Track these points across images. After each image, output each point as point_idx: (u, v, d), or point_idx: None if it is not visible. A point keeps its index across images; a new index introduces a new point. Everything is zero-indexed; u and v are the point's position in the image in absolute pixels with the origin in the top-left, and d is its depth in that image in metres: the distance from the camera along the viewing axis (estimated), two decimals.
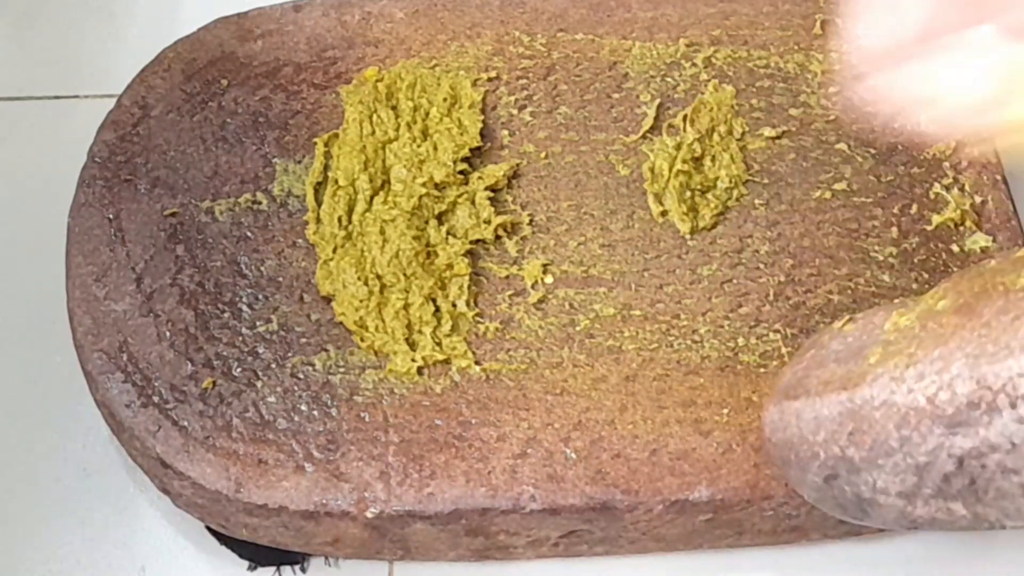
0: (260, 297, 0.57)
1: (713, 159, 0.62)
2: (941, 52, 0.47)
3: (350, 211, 0.59)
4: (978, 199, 0.61)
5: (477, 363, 0.56)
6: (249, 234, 0.59)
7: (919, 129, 0.52)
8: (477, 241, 0.59)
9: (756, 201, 0.61)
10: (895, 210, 0.60)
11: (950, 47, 0.47)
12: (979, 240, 0.59)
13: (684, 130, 0.62)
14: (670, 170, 0.61)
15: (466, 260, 0.58)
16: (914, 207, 0.61)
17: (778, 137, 0.63)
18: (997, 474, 0.40)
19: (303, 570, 0.58)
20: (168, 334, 0.56)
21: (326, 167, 0.61)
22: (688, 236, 0.60)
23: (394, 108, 0.62)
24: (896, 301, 0.48)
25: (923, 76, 0.48)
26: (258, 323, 0.57)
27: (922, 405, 0.40)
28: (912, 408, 0.41)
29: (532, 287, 0.58)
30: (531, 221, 0.60)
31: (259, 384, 0.55)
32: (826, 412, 0.44)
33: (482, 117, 0.62)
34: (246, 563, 0.58)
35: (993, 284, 0.42)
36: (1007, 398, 0.38)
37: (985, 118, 0.48)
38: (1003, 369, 0.38)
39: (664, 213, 0.60)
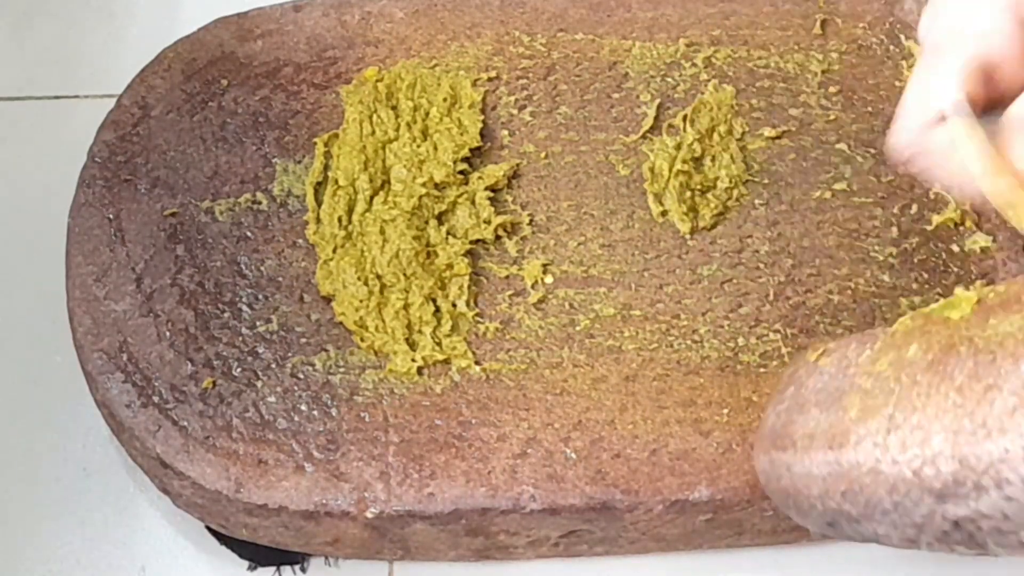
0: (260, 297, 0.57)
1: (713, 159, 0.62)
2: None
3: (350, 211, 0.59)
4: (978, 199, 0.61)
5: (477, 363, 0.56)
6: (249, 234, 0.59)
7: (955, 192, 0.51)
8: (477, 241, 0.59)
9: (756, 201, 0.61)
10: (895, 210, 0.60)
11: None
12: (979, 240, 0.59)
13: (684, 130, 0.62)
14: (670, 170, 0.61)
15: (466, 260, 0.58)
16: (914, 207, 0.61)
17: (778, 137, 0.63)
18: (994, 534, 0.40)
19: (303, 570, 0.58)
20: (168, 334, 0.56)
21: (326, 167, 0.61)
22: (688, 236, 0.60)
23: (394, 108, 0.62)
24: (866, 333, 0.47)
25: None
26: (258, 323, 0.57)
27: (909, 477, 0.40)
28: (900, 479, 0.40)
29: (532, 287, 0.58)
30: (531, 221, 0.60)
31: (259, 384, 0.55)
32: (816, 470, 0.44)
33: (482, 117, 0.62)
34: (246, 563, 0.58)
35: (960, 338, 0.42)
36: (992, 480, 0.38)
37: None
38: (983, 453, 0.38)
39: (664, 213, 0.60)
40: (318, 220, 0.59)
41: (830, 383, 0.46)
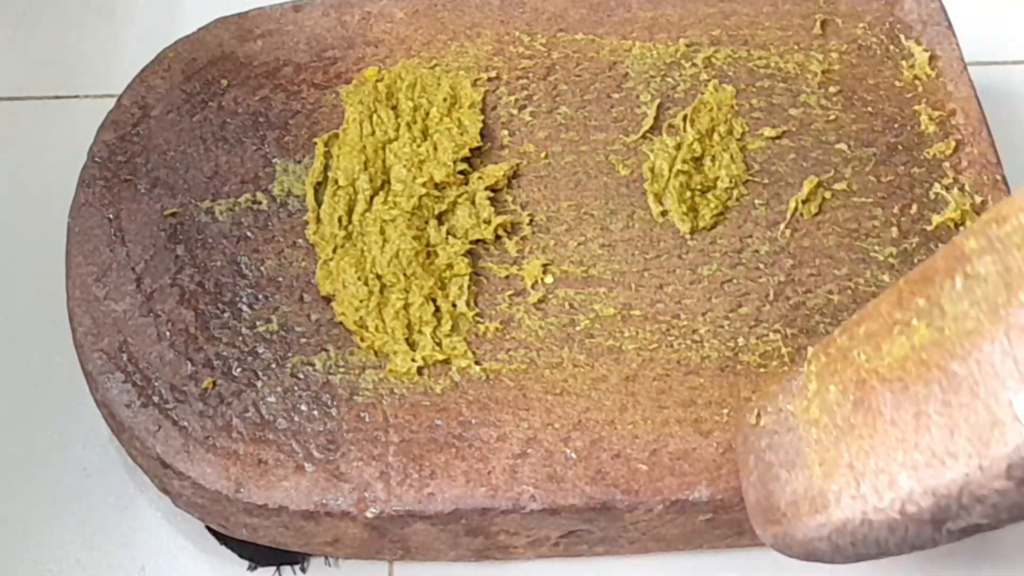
0: (260, 297, 0.57)
1: (713, 159, 0.62)
2: None
3: (350, 211, 0.59)
4: (978, 199, 0.61)
5: (477, 363, 0.56)
6: (249, 234, 0.59)
7: None
8: (477, 241, 0.59)
9: (756, 201, 0.61)
10: (895, 210, 0.60)
11: None
12: None
13: (684, 130, 0.62)
14: (670, 170, 0.61)
15: (466, 260, 0.58)
16: (914, 207, 0.61)
17: (778, 137, 0.63)
18: (1002, 522, 0.40)
19: (303, 570, 0.58)
20: (168, 334, 0.56)
21: (326, 167, 0.61)
22: (688, 236, 0.60)
23: (394, 108, 0.62)
24: (784, 377, 0.48)
25: None
26: (258, 323, 0.57)
27: (899, 518, 0.41)
28: (892, 521, 0.41)
29: (532, 287, 0.58)
30: (531, 221, 0.60)
31: (259, 384, 0.55)
32: (816, 534, 0.44)
33: (482, 117, 0.62)
34: (246, 563, 0.58)
35: (867, 372, 0.43)
36: (970, 499, 0.39)
37: None
38: (949, 483, 0.39)
39: (664, 213, 0.60)
40: (318, 220, 0.59)
41: (782, 440, 0.47)
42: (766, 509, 0.47)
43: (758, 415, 0.48)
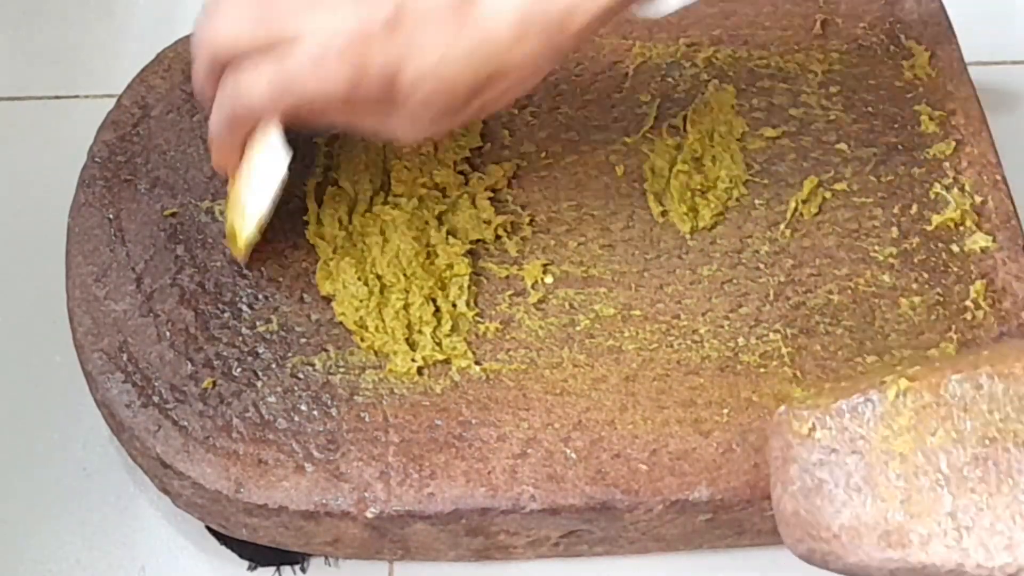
0: (260, 297, 0.57)
1: (713, 159, 0.62)
2: None
3: (350, 211, 0.59)
4: (978, 199, 0.61)
5: (477, 363, 0.56)
6: None
7: None
8: (477, 241, 0.59)
9: (756, 201, 0.61)
10: (895, 210, 0.60)
11: None
12: (979, 240, 0.59)
13: (684, 130, 0.62)
14: (670, 170, 0.61)
15: (466, 260, 0.58)
16: (914, 207, 0.61)
17: (778, 137, 0.63)
18: None
19: (303, 570, 0.58)
20: (168, 334, 0.56)
21: (327, 167, 0.61)
22: (688, 236, 0.60)
23: None
24: (852, 393, 0.47)
25: None
26: (258, 323, 0.57)
27: (1009, 572, 0.41)
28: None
29: (532, 287, 0.58)
30: (531, 221, 0.60)
31: (259, 384, 0.55)
32: (877, 565, 0.44)
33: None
34: (246, 563, 0.58)
35: (1001, 432, 0.43)
36: None
37: None
38: None
39: (664, 213, 0.60)
40: (319, 220, 0.59)
41: (842, 460, 0.46)
42: (808, 524, 0.46)
43: (812, 427, 0.47)
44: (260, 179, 0.54)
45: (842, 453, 0.46)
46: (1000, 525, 0.41)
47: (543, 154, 0.62)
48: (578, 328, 0.57)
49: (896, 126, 0.63)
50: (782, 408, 0.49)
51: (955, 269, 0.59)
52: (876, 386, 0.46)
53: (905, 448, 0.44)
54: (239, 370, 0.55)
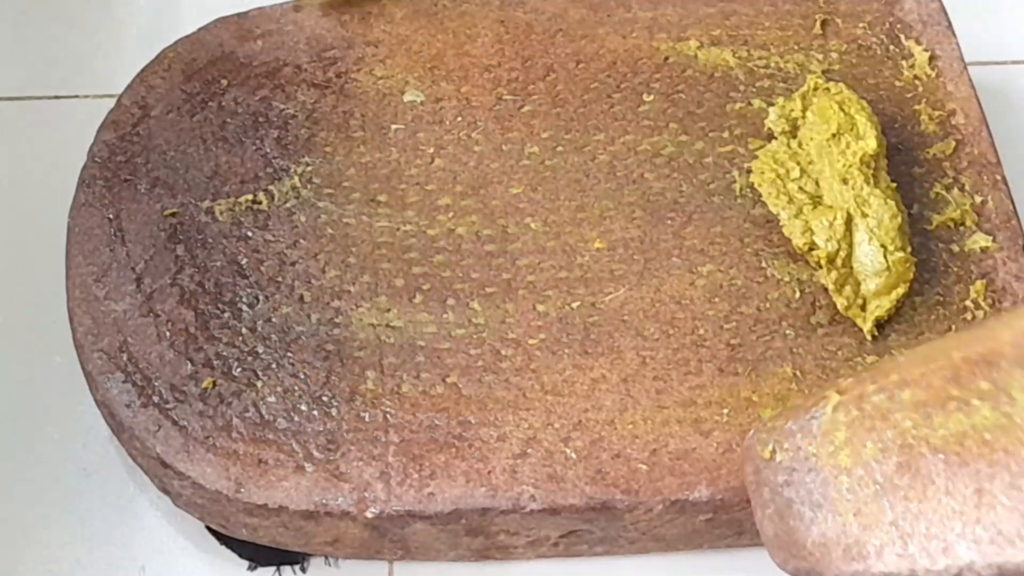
0: (260, 297, 0.57)
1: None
2: None
3: None
4: (978, 199, 0.61)
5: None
6: (249, 234, 0.59)
7: None
8: None
9: (757, 201, 0.61)
10: None
11: None
12: (979, 240, 0.59)
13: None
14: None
15: None
16: (914, 207, 0.61)
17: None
18: None
19: (303, 570, 0.58)
20: (168, 334, 0.56)
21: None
22: (688, 236, 0.59)
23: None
24: (799, 412, 0.48)
25: None
26: (258, 323, 0.57)
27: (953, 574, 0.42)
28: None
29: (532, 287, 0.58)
30: (531, 221, 0.60)
31: (259, 384, 0.55)
32: None
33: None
34: (246, 563, 0.58)
35: (914, 439, 0.44)
36: None
37: None
38: (1016, 560, 0.40)
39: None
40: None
41: (802, 479, 0.47)
42: (788, 544, 0.47)
43: (772, 451, 0.48)
44: None
45: (800, 472, 0.47)
46: (934, 529, 0.42)
47: (543, 153, 0.62)
48: (578, 328, 0.57)
49: (896, 126, 0.63)
50: (751, 432, 0.50)
51: (955, 269, 0.59)
52: (818, 403, 0.47)
53: (847, 462, 0.45)
54: (239, 370, 0.55)
